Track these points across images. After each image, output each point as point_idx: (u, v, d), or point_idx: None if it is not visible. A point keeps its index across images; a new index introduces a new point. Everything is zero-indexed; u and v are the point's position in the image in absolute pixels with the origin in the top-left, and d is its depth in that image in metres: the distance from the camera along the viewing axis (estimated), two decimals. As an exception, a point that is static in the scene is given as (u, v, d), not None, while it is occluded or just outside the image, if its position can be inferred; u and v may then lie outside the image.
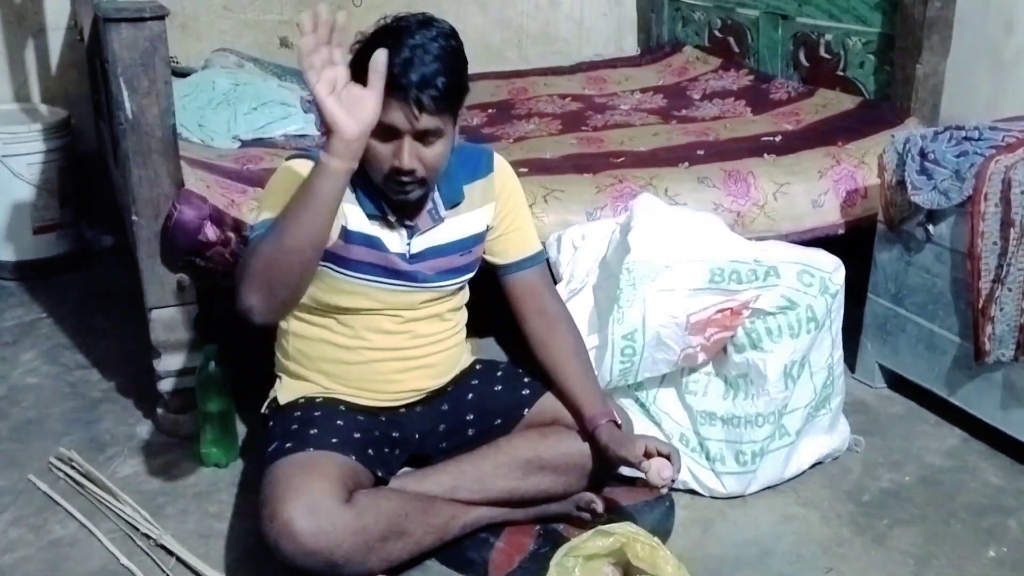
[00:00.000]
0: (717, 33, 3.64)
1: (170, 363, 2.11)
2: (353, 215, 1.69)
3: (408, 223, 1.72)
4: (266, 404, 1.87)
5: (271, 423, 1.82)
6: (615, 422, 1.75)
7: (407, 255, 1.73)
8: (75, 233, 3.13)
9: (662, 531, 1.82)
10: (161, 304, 2.06)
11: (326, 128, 1.45)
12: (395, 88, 1.53)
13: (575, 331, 1.87)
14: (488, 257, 1.85)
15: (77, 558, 1.79)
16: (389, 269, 1.72)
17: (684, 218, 2.06)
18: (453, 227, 1.77)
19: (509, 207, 1.84)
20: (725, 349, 1.99)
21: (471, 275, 1.84)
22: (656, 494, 1.83)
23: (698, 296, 1.92)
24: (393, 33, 1.58)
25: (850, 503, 2.00)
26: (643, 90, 3.45)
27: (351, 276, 1.71)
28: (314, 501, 1.55)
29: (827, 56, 3.14)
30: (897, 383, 2.40)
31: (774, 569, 1.81)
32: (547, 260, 1.93)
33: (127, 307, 2.53)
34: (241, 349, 2.26)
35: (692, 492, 2.00)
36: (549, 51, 4.02)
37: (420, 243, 1.74)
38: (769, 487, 2.02)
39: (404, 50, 1.55)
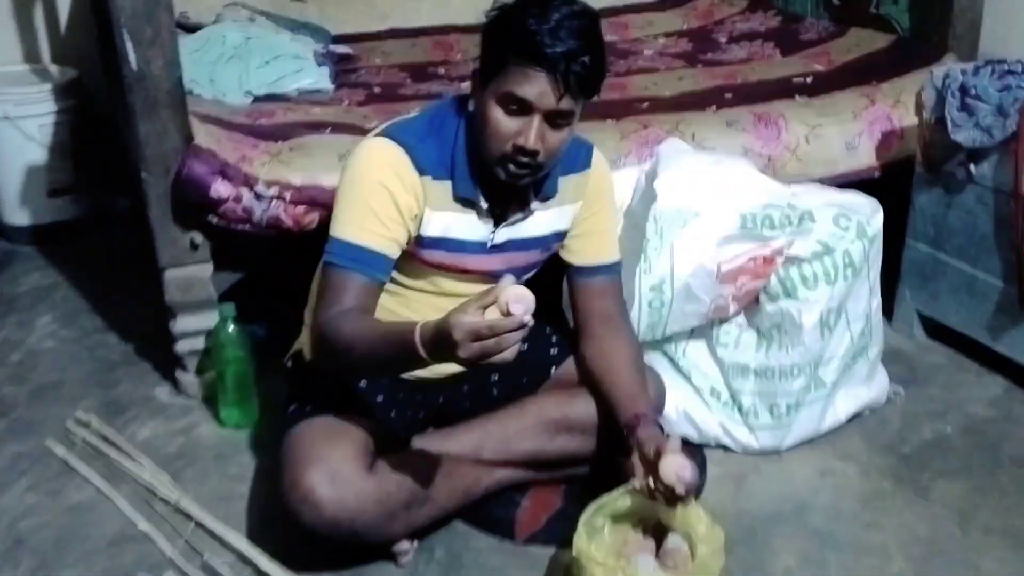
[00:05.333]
0: (743, -26, 3.51)
1: (186, 324, 2.07)
2: (439, 220, 1.57)
3: (497, 212, 1.61)
4: (289, 354, 1.81)
5: (293, 378, 1.77)
6: (660, 426, 1.61)
7: (488, 244, 1.62)
8: (91, 196, 3.09)
9: (693, 488, 1.75)
10: (174, 263, 2.00)
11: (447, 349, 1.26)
12: (538, 60, 1.41)
13: (637, 345, 1.75)
14: (562, 253, 1.74)
15: (95, 523, 1.75)
16: (460, 269, 1.63)
17: (713, 162, 1.97)
18: (540, 221, 1.65)
19: (596, 209, 1.72)
20: (757, 299, 1.91)
21: (540, 268, 1.75)
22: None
23: (729, 244, 1.83)
24: (536, 2, 1.45)
25: (890, 456, 1.93)
26: (667, 35, 3.33)
27: (417, 271, 1.62)
28: (336, 469, 1.50)
29: (859, -7, 3.02)
30: (936, 331, 2.32)
31: (812, 525, 1.74)
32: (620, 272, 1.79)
33: (145, 270, 2.48)
34: (262, 306, 2.23)
35: (724, 448, 1.94)
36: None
37: (504, 234, 1.63)
38: (805, 441, 1.95)
39: (551, 20, 1.42)
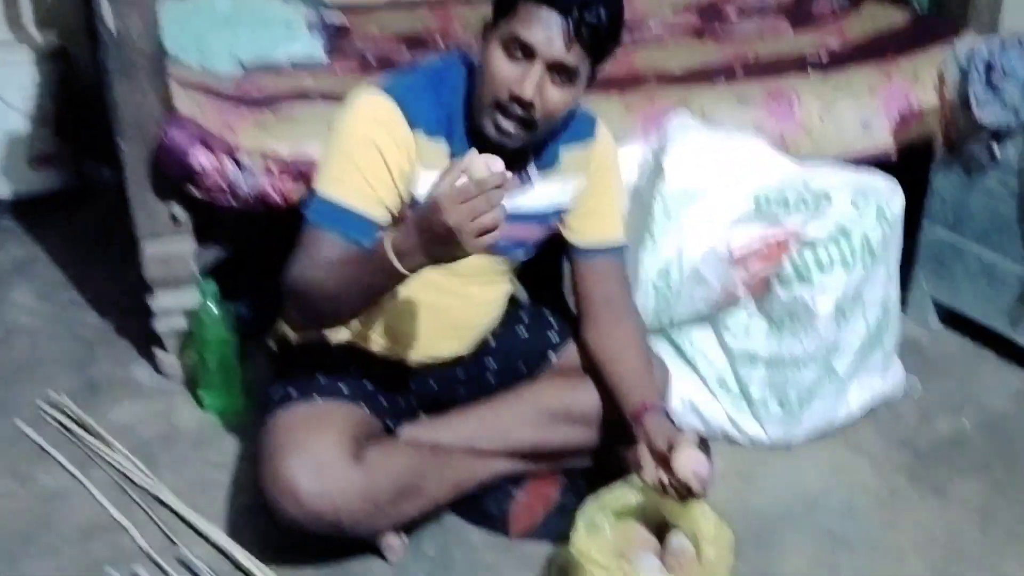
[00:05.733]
0: (754, -53, 3.38)
1: (166, 301, 1.97)
2: (428, 180, 1.41)
3: None
4: (273, 336, 1.71)
5: (277, 361, 1.67)
6: (670, 416, 1.52)
7: None
8: (74, 167, 2.97)
9: (708, 486, 1.65)
10: (153, 237, 1.90)
11: (436, 232, 1.19)
12: (551, 1, 1.33)
13: (642, 330, 1.65)
14: (564, 232, 1.63)
15: (66, 511, 1.66)
16: None
17: (724, 139, 1.86)
18: (540, 194, 1.55)
19: (600, 186, 1.61)
20: (769, 284, 1.80)
21: (540, 248, 1.64)
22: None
23: (741, 226, 1.73)
24: None
25: (906, 452, 1.83)
26: (674, 9, 3.21)
27: None
28: (320, 459, 1.40)
29: (875, -33, 2.89)
30: (952, 320, 2.22)
31: (824, 524, 1.65)
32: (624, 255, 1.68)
33: (128, 244, 2.38)
34: (247, 284, 2.13)
35: (731, 441, 1.84)
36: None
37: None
38: (816, 435, 1.85)
39: None
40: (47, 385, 2.01)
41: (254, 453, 1.54)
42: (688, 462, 1.36)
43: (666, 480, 1.39)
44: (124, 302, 2.30)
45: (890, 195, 1.80)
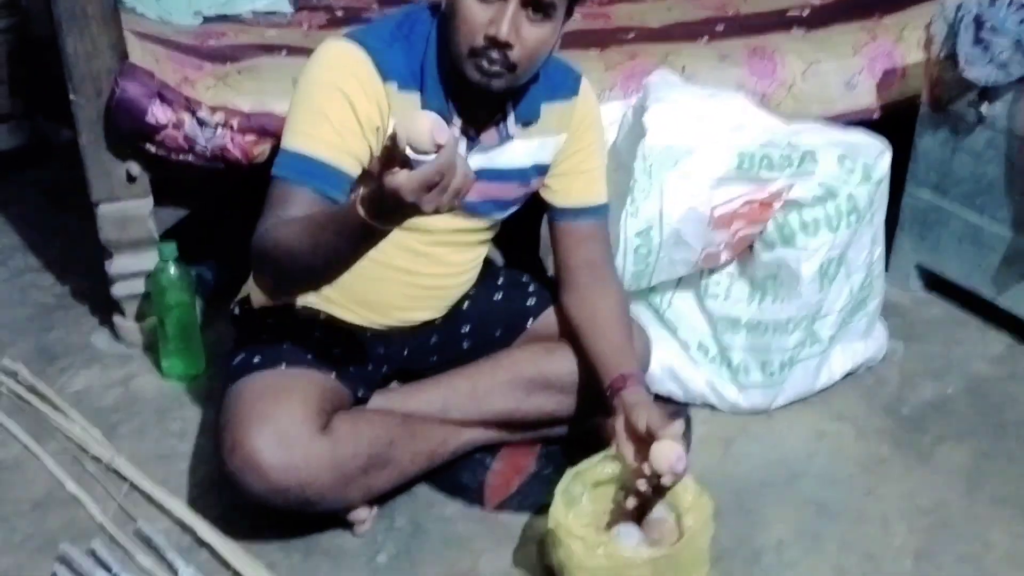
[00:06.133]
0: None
1: (123, 265, 1.88)
2: None
3: (471, 134, 1.43)
4: (236, 300, 1.64)
5: (240, 327, 1.60)
6: (648, 388, 1.47)
7: None
8: (30, 126, 2.86)
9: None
10: (109, 197, 1.81)
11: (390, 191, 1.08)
12: None
13: (623, 295, 1.58)
14: (543, 193, 1.56)
15: (19, 484, 1.58)
16: None
17: (707, 96, 1.79)
18: (519, 151, 1.47)
19: (583, 144, 1.54)
20: (751, 247, 1.75)
21: (519, 208, 1.57)
22: (668, 411, 1.61)
23: (724, 186, 1.67)
24: None
25: (889, 417, 1.79)
26: (653, -37, 3.12)
27: None
28: (284, 430, 1.33)
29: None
30: (935, 284, 2.18)
31: (806, 492, 1.61)
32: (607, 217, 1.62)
33: (87, 205, 2.29)
34: (209, 246, 2.05)
35: (711, 407, 1.79)
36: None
37: (479, 160, 1.44)
38: (797, 400, 1.81)
39: None
40: (1, 353, 1.92)
41: (215, 423, 1.47)
42: (666, 456, 1.30)
43: (636, 462, 1.34)
44: (83, 266, 2.20)
45: (877, 155, 1.74)
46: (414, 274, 1.51)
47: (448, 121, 1.38)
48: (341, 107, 1.32)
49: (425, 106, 1.37)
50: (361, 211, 1.13)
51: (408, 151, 1.06)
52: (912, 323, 2.08)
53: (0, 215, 2.52)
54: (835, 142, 1.73)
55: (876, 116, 2.24)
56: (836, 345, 1.82)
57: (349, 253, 1.23)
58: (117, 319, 1.96)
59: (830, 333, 1.78)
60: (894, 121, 2.19)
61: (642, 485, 1.33)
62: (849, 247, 1.74)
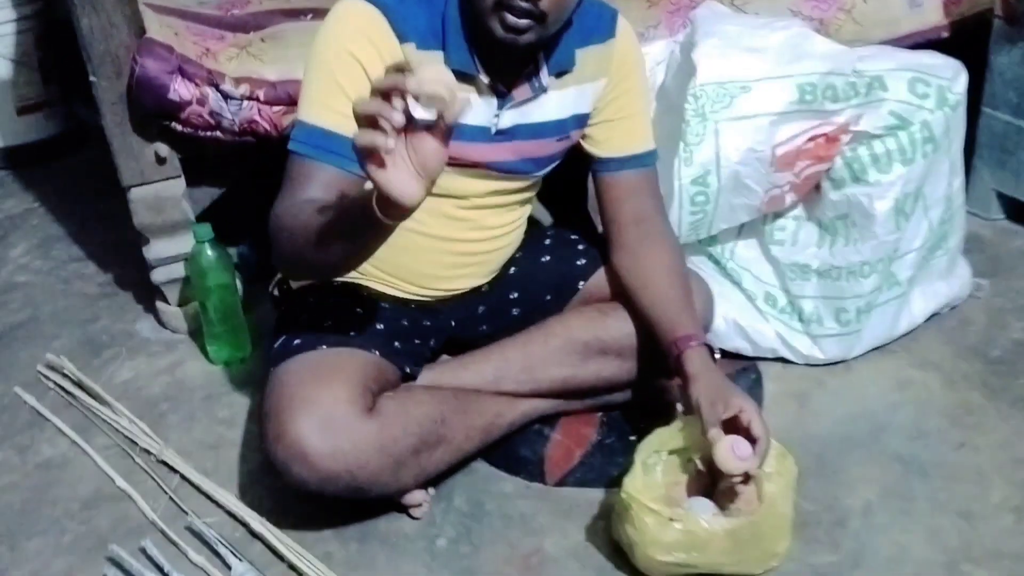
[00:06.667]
0: None
1: (161, 249, 1.82)
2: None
3: (501, 89, 1.33)
4: (275, 281, 1.57)
5: (280, 308, 1.53)
6: (710, 348, 1.37)
7: (493, 129, 1.34)
8: (65, 112, 2.81)
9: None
10: (139, 180, 1.75)
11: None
12: None
13: (678, 250, 1.48)
14: (584, 144, 1.46)
15: (68, 482, 1.54)
16: (459, 162, 1.33)
17: (760, 26, 1.65)
18: (554, 102, 1.37)
19: (624, 87, 1.43)
20: (818, 186, 1.62)
21: (559, 163, 1.47)
22: (737, 368, 1.52)
23: (784, 122, 1.54)
24: None
25: (977, 361, 1.66)
26: None
27: None
28: (329, 414, 1.26)
29: None
30: (1018, 213, 2.03)
31: (892, 448, 1.49)
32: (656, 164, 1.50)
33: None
34: (249, 224, 1.98)
35: (783, 361, 1.68)
36: None
37: (512, 117, 1.34)
38: (877, 349, 1.69)
39: None
40: (46, 347, 1.88)
41: (259, 412, 1.41)
42: (726, 459, 1.23)
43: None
44: (126, 253, 2.15)
45: (952, 77, 1.60)
46: (452, 241, 1.42)
47: (474, 76, 1.29)
48: (355, 74, 1.23)
49: (449, 63, 1.27)
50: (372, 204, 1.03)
51: (410, 101, 0.94)
52: (996, 257, 1.94)
53: (41, 206, 2.48)
54: (904, 65, 1.59)
55: (944, 35, 2.08)
56: (916, 287, 1.69)
57: (359, 236, 1.13)
58: (160, 305, 1.91)
59: (909, 274, 1.65)
60: (964, 40, 2.03)
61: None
62: (926, 180, 1.60)
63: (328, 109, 1.24)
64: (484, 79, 1.31)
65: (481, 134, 1.34)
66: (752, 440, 1.25)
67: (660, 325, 1.37)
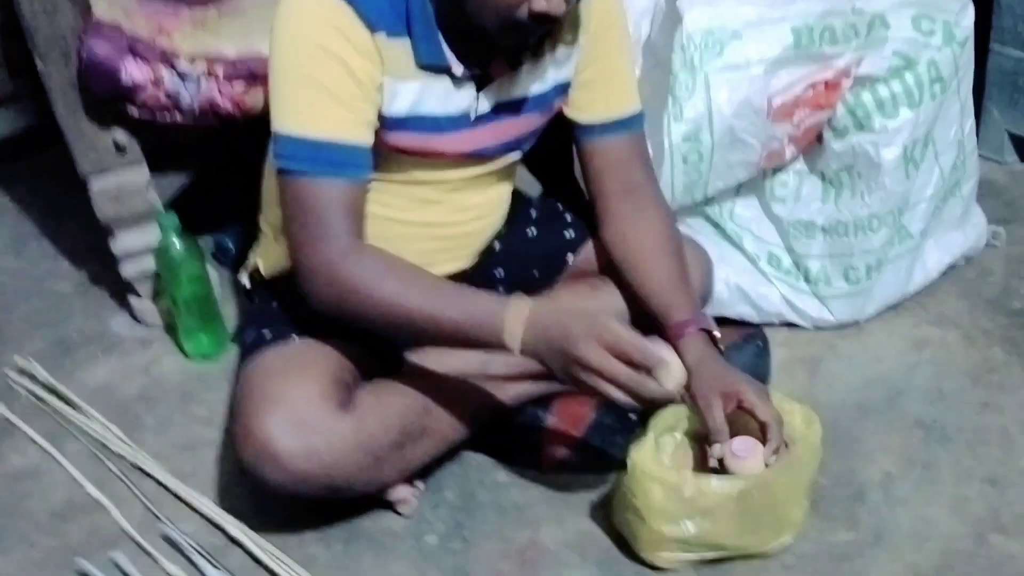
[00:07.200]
0: None
1: (128, 242, 1.73)
2: (404, 93, 1.19)
3: (477, 72, 1.23)
4: (245, 271, 1.50)
5: (250, 301, 1.45)
6: (710, 333, 1.29)
7: (472, 114, 1.25)
8: (35, 106, 2.71)
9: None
10: (98, 170, 1.65)
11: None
12: None
13: (670, 220, 1.40)
14: (566, 110, 1.36)
15: (38, 493, 1.46)
16: (438, 153, 1.26)
17: (749, -32, 1.54)
18: (534, 74, 1.28)
19: (605, 47, 1.33)
20: (820, 137, 1.52)
21: (543, 133, 1.38)
22: (741, 336, 1.43)
23: (780, 70, 1.45)
24: None
25: (998, 314, 1.58)
26: None
27: (383, 158, 1.24)
28: (299, 411, 1.18)
29: None
30: (1033, 154, 1.93)
31: (911, 413, 1.41)
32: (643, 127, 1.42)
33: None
34: (225, 212, 1.89)
35: (790, 325, 1.59)
36: None
37: (491, 98, 1.26)
38: (890, 307, 1.60)
39: None
40: (18, 350, 1.79)
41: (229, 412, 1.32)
42: (742, 467, 1.18)
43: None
44: (102, 249, 2.06)
45: (959, 10, 1.51)
46: (432, 225, 1.34)
47: (447, 68, 1.20)
48: (335, 71, 1.13)
49: (417, 54, 1.18)
50: (515, 348, 1.12)
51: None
52: (1012, 202, 1.86)
53: (12, 202, 2.39)
54: (906, 1, 1.48)
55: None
56: (929, 239, 1.61)
57: (465, 345, 1.19)
58: (134, 301, 1.82)
59: (921, 226, 1.56)
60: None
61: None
62: (935, 124, 1.51)
63: (315, 116, 1.14)
64: (458, 70, 1.21)
65: (461, 122, 1.25)
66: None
67: (654, 305, 1.31)
